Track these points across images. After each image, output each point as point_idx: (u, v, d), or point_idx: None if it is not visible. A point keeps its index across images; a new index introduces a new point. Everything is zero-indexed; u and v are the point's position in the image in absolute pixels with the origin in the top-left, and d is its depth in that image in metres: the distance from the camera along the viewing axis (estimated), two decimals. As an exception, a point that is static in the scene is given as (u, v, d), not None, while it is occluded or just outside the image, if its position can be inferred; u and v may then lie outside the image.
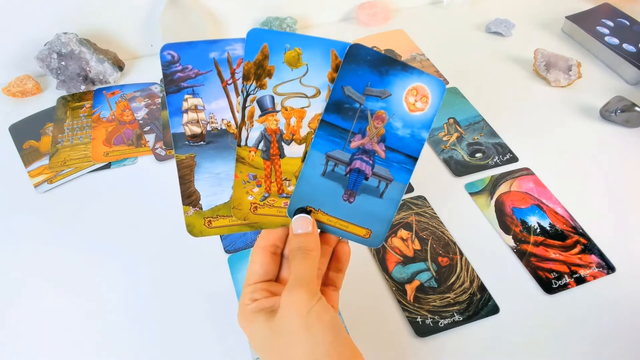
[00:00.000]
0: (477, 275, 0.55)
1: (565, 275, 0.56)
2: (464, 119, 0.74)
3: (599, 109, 0.75)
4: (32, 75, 0.77)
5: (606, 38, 0.85)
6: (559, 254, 0.57)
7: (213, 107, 0.38)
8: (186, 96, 0.37)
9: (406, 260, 0.57)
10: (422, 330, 0.51)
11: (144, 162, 0.68)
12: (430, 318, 0.52)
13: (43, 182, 0.64)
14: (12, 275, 0.55)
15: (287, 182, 0.39)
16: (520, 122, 0.74)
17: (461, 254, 0.57)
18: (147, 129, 0.71)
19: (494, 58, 0.85)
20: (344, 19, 0.93)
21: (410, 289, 0.54)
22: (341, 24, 0.92)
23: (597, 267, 0.56)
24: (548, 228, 0.60)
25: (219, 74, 0.37)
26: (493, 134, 0.72)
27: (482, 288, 0.54)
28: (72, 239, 0.58)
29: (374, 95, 0.37)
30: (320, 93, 0.38)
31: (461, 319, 0.52)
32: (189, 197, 0.40)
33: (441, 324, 0.51)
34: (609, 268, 0.56)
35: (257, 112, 0.38)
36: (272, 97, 0.37)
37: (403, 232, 0.59)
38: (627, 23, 0.89)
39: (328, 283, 0.41)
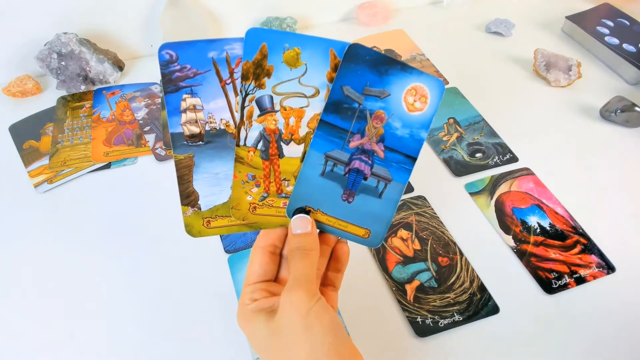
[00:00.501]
0: (477, 275, 0.55)
1: (565, 275, 0.56)
2: (464, 119, 0.74)
3: (599, 109, 0.75)
4: (32, 75, 0.77)
5: (606, 38, 0.85)
6: (559, 254, 0.57)
7: (212, 107, 0.38)
8: (184, 96, 0.37)
9: (406, 260, 0.57)
10: (422, 330, 0.51)
11: (144, 162, 0.68)
12: (430, 318, 0.52)
13: (43, 182, 0.64)
14: (12, 275, 0.55)
15: (286, 182, 0.39)
16: (520, 122, 0.74)
17: (461, 254, 0.57)
18: (147, 129, 0.71)
19: (494, 58, 0.85)
20: (344, 19, 0.93)
21: (410, 289, 0.54)
22: (341, 24, 0.92)
23: (597, 267, 0.56)
24: (548, 228, 0.60)
25: (218, 74, 0.37)
26: (493, 134, 0.72)
27: (482, 288, 0.54)
28: (72, 239, 0.58)
29: (373, 95, 0.37)
30: (319, 93, 0.37)
31: (461, 319, 0.52)
32: (188, 197, 0.40)
33: (441, 324, 0.51)
34: (609, 268, 0.56)
35: (256, 111, 0.38)
36: (271, 97, 0.37)
37: (403, 232, 0.59)
38: (627, 23, 0.89)
39: (327, 283, 0.41)
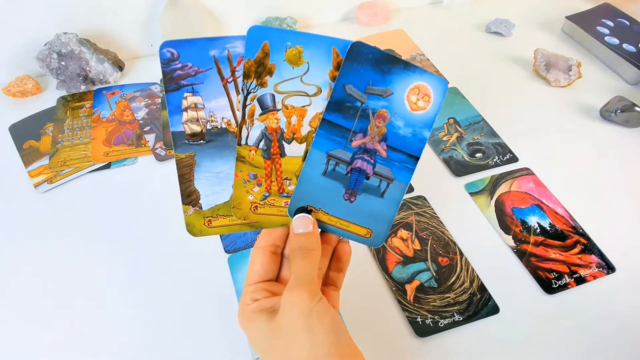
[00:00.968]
0: (477, 275, 0.55)
1: (565, 275, 0.56)
2: (464, 119, 0.74)
3: (599, 109, 0.75)
4: (32, 75, 0.77)
5: (606, 38, 0.85)
6: (559, 254, 0.57)
7: (213, 106, 0.38)
8: (186, 94, 0.37)
9: (406, 260, 0.57)
10: (422, 330, 0.51)
11: (144, 162, 0.68)
12: (430, 318, 0.52)
13: (43, 182, 0.64)
14: (12, 275, 0.55)
15: (288, 181, 0.39)
16: (520, 122, 0.74)
17: (461, 254, 0.57)
18: (147, 129, 0.71)
19: (494, 58, 0.85)
20: (344, 19, 0.93)
21: (410, 289, 0.54)
22: (341, 24, 0.92)
23: (597, 267, 0.56)
24: (548, 228, 0.60)
25: (219, 72, 0.37)
26: (493, 134, 0.72)
27: (482, 288, 0.54)
28: (72, 239, 0.58)
29: (375, 94, 0.37)
30: (321, 91, 0.37)
31: (461, 319, 0.52)
32: (189, 197, 0.39)
33: (441, 324, 0.51)
34: (609, 268, 0.56)
35: (258, 110, 0.38)
36: (273, 96, 0.37)
37: (403, 232, 0.59)
38: (627, 23, 0.89)
39: (328, 283, 0.41)
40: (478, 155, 0.69)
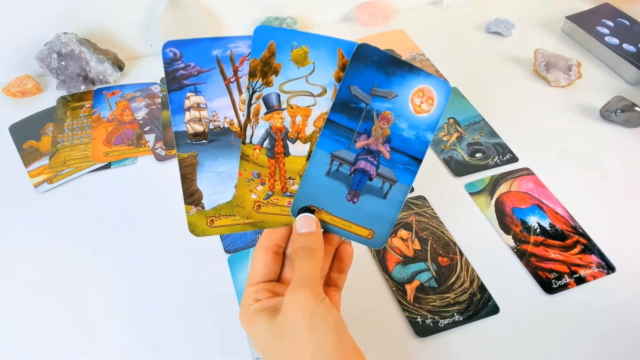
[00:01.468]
0: (477, 275, 0.55)
1: (565, 275, 0.56)
2: (464, 119, 0.74)
3: (599, 109, 0.75)
4: (32, 75, 0.77)
5: (606, 38, 0.85)
6: (559, 254, 0.57)
7: (215, 105, 0.38)
8: (188, 94, 0.37)
9: (406, 260, 0.57)
10: (422, 330, 0.51)
11: (144, 162, 0.68)
12: (430, 318, 0.52)
13: (43, 182, 0.64)
14: (12, 275, 0.55)
15: (291, 180, 0.39)
16: (520, 122, 0.74)
17: (461, 254, 0.57)
18: (147, 129, 0.71)
19: (494, 58, 0.85)
20: (344, 19, 0.93)
21: (410, 289, 0.54)
22: (341, 24, 0.92)
23: (597, 267, 0.56)
24: (548, 228, 0.60)
25: (222, 72, 0.37)
26: (493, 134, 0.72)
27: (482, 288, 0.54)
28: (72, 239, 0.58)
29: (380, 96, 0.37)
30: (326, 92, 0.37)
31: (461, 319, 0.52)
32: (191, 196, 0.39)
33: (441, 324, 0.51)
34: (609, 268, 0.56)
35: (263, 109, 0.38)
36: (278, 95, 0.37)
37: (403, 232, 0.59)
38: (627, 23, 0.89)
39: (330, 283, 0.41)
40: (478, 155, 0.69)
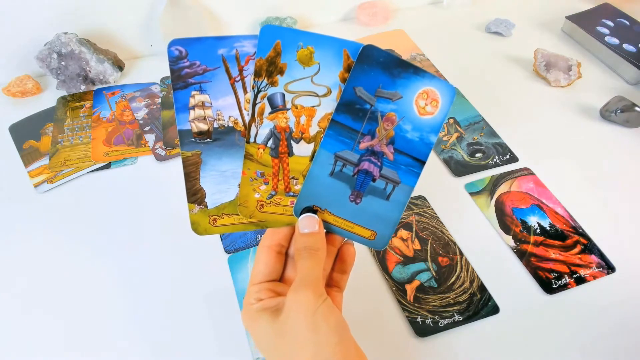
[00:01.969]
0: (477, 275, 0.55)
1: (565, 275, 0.56)
2: (464, 119, 0.74)
3: (599, 109, 0.75)
4: (32, 75, 0.77)
5: (606, 38, 0.85)
6: (559, 254, 0.57)
7: (220, 104, 0.38)
8: (193, 92, 0.37)
9: (406, 260, 0.57)
10: (422, 330, 0.51)
11: (144, 162, 0.68)
12: (430, 318, 0.52)
13: (43, 182, 0.64)
14: (12, 275, 0.55)
15: (295, 180, 0.39)
16: (520, 122, 0.74)
17: (461, 254, 0.57)
18: (147, 129, 0.71)
19: (494, 58, 0.85)
20: (344, 19, 0.93)
21: (410, 289, 0.54)
22: (341, 24, 0.92)
23: (597, 267, 0.56)
24: (548, 228, 0.60)
25: (227, 71, 0.37)
26: (493, 134, 0.72)
27: (482, 288, 0.54)
28: (72, 239, 0.58)
29: (384, 97, 0.38)
30: (331, 92, 0.38)
31: (461, 319, 0.52)
32: (194, 195, 0.39)
33: (441, 324, 0.51)
34: (609, 268, 0.56)
35: (268, 109, 0.38)
36: (283, 95, 0.37)
37: (403, 232, 0.59)
38: (627, 23, 0.89)
39: (332, 284, 0.41)
40: (478, 155, 0.69)
